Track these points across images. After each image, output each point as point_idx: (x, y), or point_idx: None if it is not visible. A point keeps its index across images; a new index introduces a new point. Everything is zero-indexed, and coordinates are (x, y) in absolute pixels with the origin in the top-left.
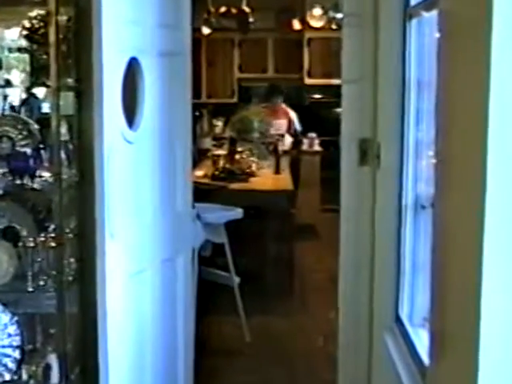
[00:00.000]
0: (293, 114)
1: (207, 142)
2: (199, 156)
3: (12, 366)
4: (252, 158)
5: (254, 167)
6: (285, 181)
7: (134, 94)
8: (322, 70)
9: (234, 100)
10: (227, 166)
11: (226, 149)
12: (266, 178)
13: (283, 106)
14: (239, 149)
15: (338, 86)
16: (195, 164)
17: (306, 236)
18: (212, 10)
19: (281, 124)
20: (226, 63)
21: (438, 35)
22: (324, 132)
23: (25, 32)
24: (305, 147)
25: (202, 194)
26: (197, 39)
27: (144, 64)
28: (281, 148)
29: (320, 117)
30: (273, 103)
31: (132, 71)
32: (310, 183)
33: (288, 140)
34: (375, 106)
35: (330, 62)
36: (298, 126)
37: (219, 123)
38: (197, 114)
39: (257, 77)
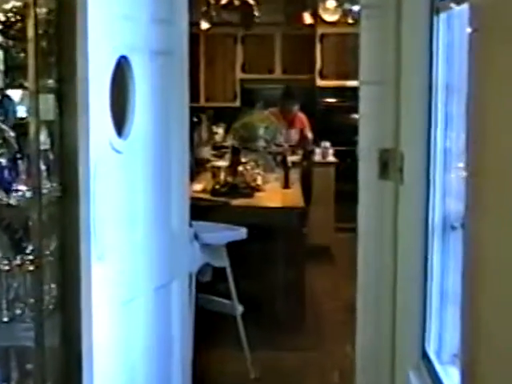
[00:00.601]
0: (306, 122)
1: (206, 152)
2: (197, 167)
3: None
4: (257, 171)
5: (259, 181)
6: (295, 196)
7: (123, 98)
8: (337, 70)
9: (237, 104)
10: (229, 179)
11: (227, 159)
12: (274, 192)
13: (300, 114)
14: (243, 159)
15: (355, 89)
16: (193, 177)
17: (318, 259)
18: (212, 1)
19: (294, 134)
20: (228, 62)
21: (469, 31)
22: (339, 141)
23: None
24: (317, 158)
25: (200, 210)
26: (195, 35)
27: (135, 63)
28: (290, 159)
29: (334, 123)
30: (287, 109)
31: (122, 71)
32: (323, 199)
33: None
34: (398, 111)
35: (346, 60)
36: (309, 133)
37: (220, 130)
38: (195, 119)
39: (262, 78)
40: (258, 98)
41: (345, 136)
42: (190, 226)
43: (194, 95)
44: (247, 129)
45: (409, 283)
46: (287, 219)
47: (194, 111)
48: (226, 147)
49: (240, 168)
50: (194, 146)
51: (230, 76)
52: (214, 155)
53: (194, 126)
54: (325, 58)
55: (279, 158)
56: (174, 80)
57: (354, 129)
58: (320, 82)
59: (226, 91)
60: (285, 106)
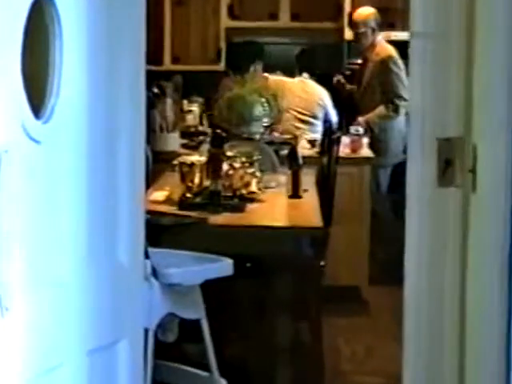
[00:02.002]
0: (325, 97)
1: (172, 141)
2: (158, 165)
3: None
4: (251, 170)
5: (253, 186)
6: (308, 210)
7: (43, 60)
8: (406, 14)
9: (220, 67)
10: (207, 183)
11: (205, 153)
12: (276, 204)
13: (316, 85)
14: (228, 153)
15: (404, 44)
16: (150, 179)
17: (343, 307)
18: None
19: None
20: (208, 2)
21: None
22: None
23: None
24: (344, 151)
25: (162, 232)
26: None
27: (62, 6)
28: (301, 152)
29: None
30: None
31: (40, 17)
32: (352, 215)
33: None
34: (469, 80)
35: (390, 1)
36: (332, 113)
37: (194, 108)
38: (155, 91)
39: (260, 26)
40: (254, 59)
41: None
42: (147, 256)
43: (154, 53)
44: (236, 106)
45: (486, 349)
46: (296, 246)
47: (154, 78)
48: (204, 134)
49: (224, 166)
50: (152, 133)
51: (210, 23)
52: (185, 146)
53: (153, 102)
54: None
55: (285, 150)
56: (123, 29)
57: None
58: (350, 34)
59: (204, 47)
60: (296, 72)
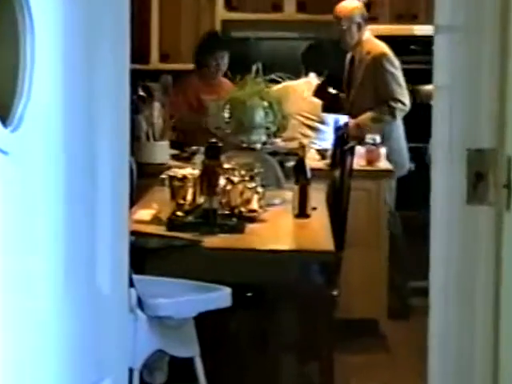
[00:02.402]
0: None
1: (161, 151)
2: (143, 179)
3: None
4: (251, 185)
5: (254, 203)
6: (317, 231)
7: (11, 58)
8: (395, 5)
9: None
10: (201, 200)
11: (198, 165)
12: (280, 224)
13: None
14: (226, 165)
15: (428, 41)
16: (135, 196)
17: (359, 343)
18: None
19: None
20: None
21: None
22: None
23: None
24: (359, 162)
25: (148, 256)
26: None
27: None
28: (310, 164)
29: None
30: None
31: (8, 10)
32: (367, 236)
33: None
34: (504, 81)
35: None
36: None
37: None
38: (140, 93)
39: (262, 19)
40: (255, 57)
41: (409, 124)
42: (131, 284)
43: (139, 50)
44: (235, 111)
45: None
46: (304, 273)
47: (140, 79)
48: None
49: (221, 180)
50: (137, 142)
51: (204, 15)
52: (176, 157)
53: (138, 106)
54: None
55: (290, 162)
56: (104, 23)
57: (424, 112)
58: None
59: (196, 43)
60: (302, 72)
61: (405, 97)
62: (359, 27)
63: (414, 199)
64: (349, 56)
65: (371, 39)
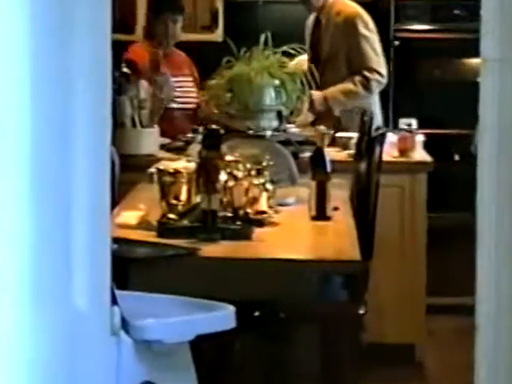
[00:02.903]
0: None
1: (149, 140)
2: (127, 174)
3: None
4: (260, 181)
5: (263, 203)
6: (340, 237)
7: None
8: None
9: (216, 37)
10: (197, 199)
11: (194, 157)
12: (294, 228)
13: None
14: (228, 157)
15: (472, 4)
16: (118, 195)
17: (391, 372)
18: None
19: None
20: None
21: None
22: (437, 117)
23: None
24: (390, 153)
25: (134, 267)
26: None
27: None
28: (329, 155)
29: (428, 79)
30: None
31: None
32: (400, 243)
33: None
34: None
35: None
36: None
37: None
38: (124, 70)
39: None
40: (263, 25)
41: (450, 106)
42: (114, 301)
43: (123, 18)
44: (239, 90)
45: None
46: (324, 287)
47: (124, 52)
48: (193, 130)
49: (222, 176)
50: (120, 129)
51: None
52: (166, 148)
53: (121, 85)
54: None
55: (306, 152)
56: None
57: (469, 90)
58: None
59: (192, 8)
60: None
61: (381, 66)
62: None
63: (447, 197)
64: (311, 18)
65: None
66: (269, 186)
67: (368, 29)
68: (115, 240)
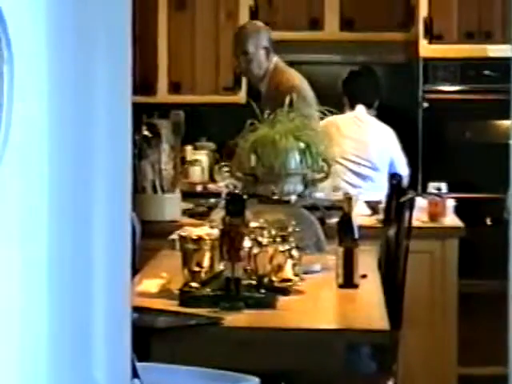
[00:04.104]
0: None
1: (171, 206)
2: (148, 240)
3: None
4: (285, 247)
5: (288, 270)
6: (368, 306)
7: None
8: (462, 22)
9: (240, 98)
10: (221, 267)
11: (218, 223)
12: (321, 297)
13: (376, 122)
14: (252, 223)
15: (503, 64)
16: (139, 262)
17: None
18: None
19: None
20: (220, 3)
21: None
22: (468, 181)
23: None
24: (420, 218)
25: (155, 337)
26: None
27: (12, 19)
28: (359, 219)
29: (457, 141)
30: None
31: None
32: (431, 312)
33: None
34: None
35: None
36: (402, 164)
37: (201, 157)
38: (145, 133)
39: (296, 39)
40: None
41: (481, 170)
42: (135, 374)
43: (144, 79)
44: (264, 153)
45: None
46: (351, 358)
47: (145, 114)
48: (216, 195)
49: (246, 243)
50: (141, 195)
51: (224, 34)
52: (189, 213)
53: (142, 149)
54: None
55: (333, 218)
56: (99, 46)
57: (501, 153)
58: (427, 48)
59: (215, 70)
60: (346, 105)
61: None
62: (267, 53)
63: (478, 263)
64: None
65: (280, 68)
66: (294, 253)
67: (307, 104)
68: (136, 309)
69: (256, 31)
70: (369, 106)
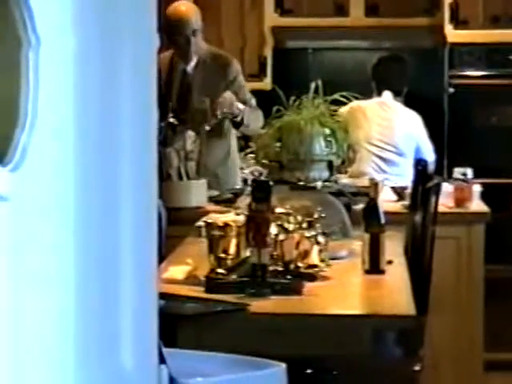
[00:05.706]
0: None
1: (197, 193)
2: (174, 227)
3: None
4: (311, 233)
5: (314, 256)
6: (394, 291)
7: (10, 82)
8: (488, 7)
9: (265, 84)
10: (247, 253)
11: (243, 210)
12: (347, 283)
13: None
14: (278, 209)
15: None
16: (165, 249)
17: None
18: None
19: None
20: None
21: None
22: (494, 166)
23: None
24: (446, 204)
25: (181, 324)
26: None
27: (38, 4)
28: (385, 205)
29: (484, 125)
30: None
31: (5, 24)
32: (457, 298)
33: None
34: None
35: None
36: (428, 149)
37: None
38: (170, 120)
39: (321, 25)
40: (314, 73)
41: (507, 155)
42: (161, 360)
43: None
44: (289, 140)
45: None
46: (377, 343)
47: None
48: (242, 181)
49: (272, 229)
50: (166, 182)
51: (249, 22)
52: (215, 200)
53: (167, 137)
54: None
55: (359, 204)
56: (124, 36)
57: None
58: (453, 33)
59: (240, 56)
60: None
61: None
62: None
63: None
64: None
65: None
66: (320, 239)
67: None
68: (162, 296)
69: (191, 12)
70: (397, 93)
